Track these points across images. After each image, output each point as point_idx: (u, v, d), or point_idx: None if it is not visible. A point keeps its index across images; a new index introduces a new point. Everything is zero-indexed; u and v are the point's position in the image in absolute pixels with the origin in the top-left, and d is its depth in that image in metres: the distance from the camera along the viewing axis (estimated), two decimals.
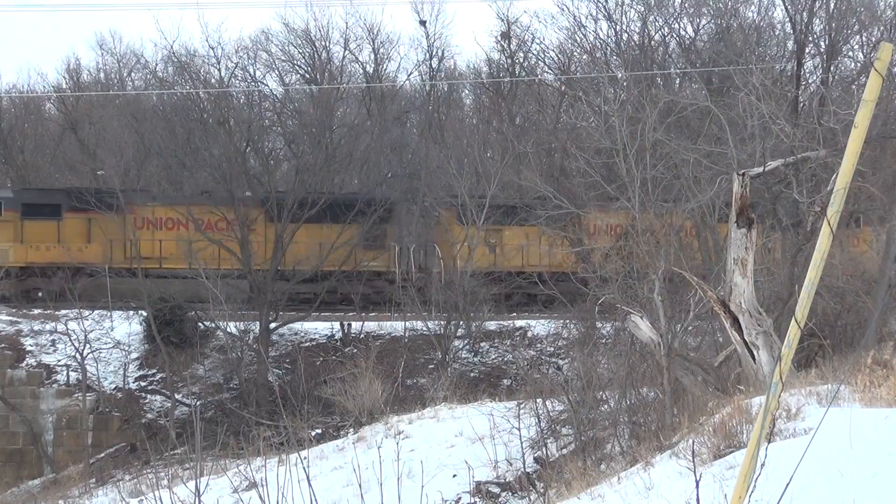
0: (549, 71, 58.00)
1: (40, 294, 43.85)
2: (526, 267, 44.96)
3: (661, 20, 52.18)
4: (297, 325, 44.27)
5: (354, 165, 51.10)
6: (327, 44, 60.18)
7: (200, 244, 44.52)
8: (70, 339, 40.58)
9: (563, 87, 54.06)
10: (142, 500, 22.89)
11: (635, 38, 52.03)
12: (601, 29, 52.80)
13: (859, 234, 33.83)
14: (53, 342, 42.02)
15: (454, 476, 23.48)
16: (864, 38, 43.66)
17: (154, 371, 42.32)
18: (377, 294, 45.50)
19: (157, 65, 60.84)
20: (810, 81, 42.27)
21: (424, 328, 42.59)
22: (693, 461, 12.47)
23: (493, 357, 43.40)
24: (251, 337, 42.97)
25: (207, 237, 44.76)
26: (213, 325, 42.62)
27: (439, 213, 46.36)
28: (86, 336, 40.51)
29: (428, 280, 44.43)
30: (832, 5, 41.70)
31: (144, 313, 42.63)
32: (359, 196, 46.83)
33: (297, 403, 31.03)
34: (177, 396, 40.87)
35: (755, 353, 21.33)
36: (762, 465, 7.37)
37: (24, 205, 45.91)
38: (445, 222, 46.67)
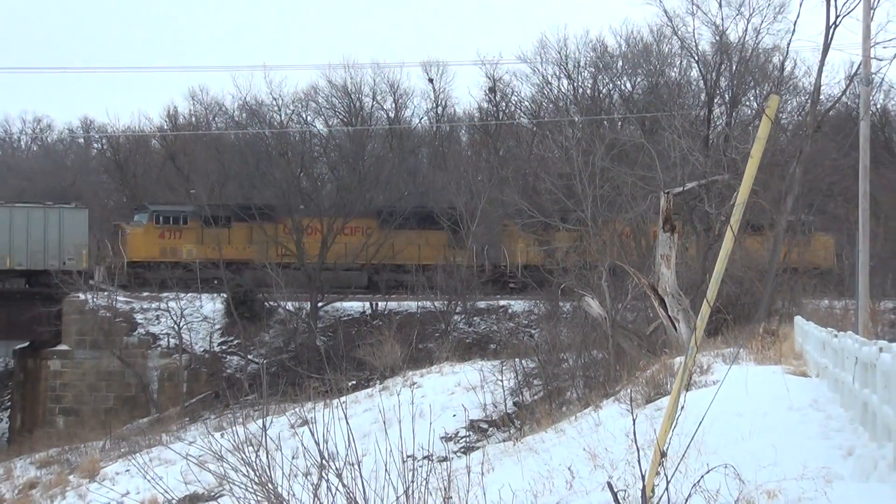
0: (524, 116, 58.01)
1: (216, 281, 42.21)
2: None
3: (607, 78, 52.30)
4: (337, 304, 44.08)
5: (380, 186, 50.98)
6: (360, 96, 60.03)
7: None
8: (170, 315, 40.54)
9: (534, 128, 54.06)
10: (223, 433, 22.82)
11: (588, 91, 52.15)
12: (563, 85, 53.02)
13: (757, 237, 33.71)
14: (158, 316, 41.92)
15: (454, 416, 23.48)
16: (757, 92, 43.64)
17: (232, 338, 42.22)
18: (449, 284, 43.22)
19: (234, 111, 60.78)
20: (718, 124, 42.21)
21: (432, 306, 42.49)
22: (630, 405, 12.47)
23: (483, 328, 43.26)
24: (304, 313, 42.88)
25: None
26: (277, 304, 42.46)
27: (506, 222, 45.16)
28: (181, 312, 40.48)
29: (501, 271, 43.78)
30: (734, 67, 41.68)
31: (225, 295, 42.51)
32: (456, 211, 45.42)
33: (338, 362, 31.03)
34: (249, 357, 40.84)
35: (677, 325, 21.32)
36: (682, 407, 7.38)
37: (204, 216, 44.03)
38: (510, 229, 45.75)
